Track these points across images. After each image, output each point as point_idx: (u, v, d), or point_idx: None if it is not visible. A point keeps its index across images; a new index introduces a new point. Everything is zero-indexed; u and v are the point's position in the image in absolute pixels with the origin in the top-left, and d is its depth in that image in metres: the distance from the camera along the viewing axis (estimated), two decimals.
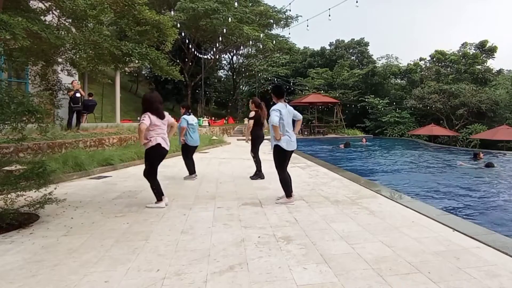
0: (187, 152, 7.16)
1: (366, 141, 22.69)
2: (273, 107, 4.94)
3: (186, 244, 3.39)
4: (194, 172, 7.25)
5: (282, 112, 4.87)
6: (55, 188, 4.43)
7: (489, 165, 12.20)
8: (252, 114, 7.12)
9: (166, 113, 4.90)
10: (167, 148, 4.86)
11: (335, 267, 2.84)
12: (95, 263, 2.96)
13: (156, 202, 4.84)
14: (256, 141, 7.24)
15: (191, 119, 7.07)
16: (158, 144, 4.68)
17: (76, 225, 4.01)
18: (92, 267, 2.87)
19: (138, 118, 8.26)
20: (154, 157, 4.78)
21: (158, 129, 4.73)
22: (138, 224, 4.05)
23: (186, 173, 7.27)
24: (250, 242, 3.43)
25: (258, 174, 7.24)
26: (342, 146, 19.62)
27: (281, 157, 5.00)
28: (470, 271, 2.77)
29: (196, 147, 7.31)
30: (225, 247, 3.30)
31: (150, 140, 4.65)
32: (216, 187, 6.31)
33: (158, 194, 4.83)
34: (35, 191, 4.09)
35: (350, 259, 3.01)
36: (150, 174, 4.80)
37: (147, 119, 4.57)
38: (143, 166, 4.97)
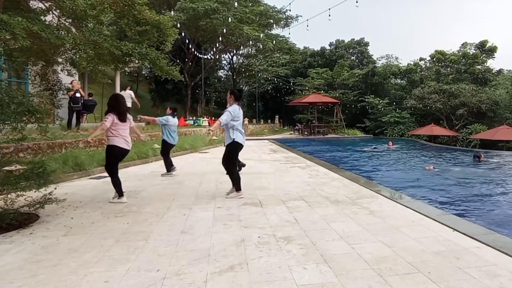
0: (166, 149, 7.70)
1: (393, 144, 20.05)
2: (229, 109, 5.37)
3: (186, 244, 3.39)
4: (172, 169, 7.65)
5: (236, 113, 5.30)
6: (55, 188, 4.43)
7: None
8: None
9: (129, 116, 5.25)
10: (128, 148, 5.16)
11: (335, 267, 2.84)
12: (95, 263, 2.96)
13: (118, 198, 5.12)
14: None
15: (172, 120, 7.65)
16: (115, 146, 4.99)
17: (76, 225, 4.01)
18: (92, 267, 2.87)
19: (138, 118, 8.32)
20: (112, 155, 5.06)
21: (119, 129, 5.01)
22: (138, 224, 4.05)
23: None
24: (250, 242, 3.43)
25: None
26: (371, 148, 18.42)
27: (237, 152, 5.50)
28: (470, 271, 2.77)
29: (173, 145, 7.98)
30: (225, 247, 3.30)
31: (109, 139, 5.00)
32: (216, 187, 6.31)
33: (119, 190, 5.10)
34: (35, 191, 4.08)
35: (350, 259, 3.01)
36: (109, 170, 5.09)
37: (110, 118, 4.87)
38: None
